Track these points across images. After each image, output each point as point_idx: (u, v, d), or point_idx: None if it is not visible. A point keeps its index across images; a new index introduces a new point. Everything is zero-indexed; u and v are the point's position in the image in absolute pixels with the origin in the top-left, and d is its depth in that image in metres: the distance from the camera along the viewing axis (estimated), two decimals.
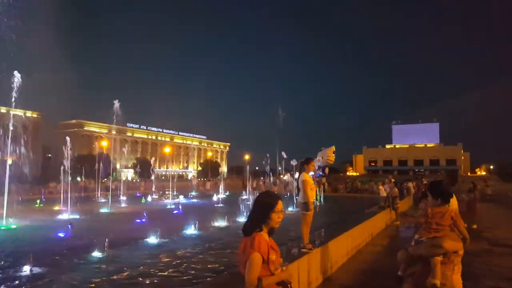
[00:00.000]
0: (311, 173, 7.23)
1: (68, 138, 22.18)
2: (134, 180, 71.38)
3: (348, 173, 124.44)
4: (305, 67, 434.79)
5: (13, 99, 15.67)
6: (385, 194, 19.64)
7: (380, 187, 21.31)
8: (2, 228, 13.32)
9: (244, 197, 29.15)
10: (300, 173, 7.24)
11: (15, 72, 15.10)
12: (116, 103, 24.21)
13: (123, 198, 25.48)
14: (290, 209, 16.40)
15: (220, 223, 14.00)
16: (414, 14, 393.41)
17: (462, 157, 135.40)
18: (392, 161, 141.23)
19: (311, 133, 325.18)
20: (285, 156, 27.21)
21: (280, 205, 2.83)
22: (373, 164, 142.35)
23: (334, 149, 7.67)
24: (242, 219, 14.74)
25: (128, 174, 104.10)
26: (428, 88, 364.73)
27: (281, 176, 35.70)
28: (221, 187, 34.10)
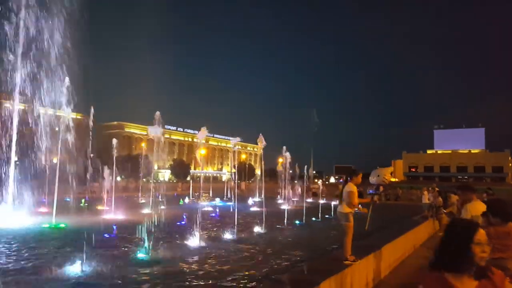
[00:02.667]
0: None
1: (114, 140, 23.16)
2: (171, 181, 73.27)
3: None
4: (341, 68, 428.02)
5: (63, 102, 16.62)
6: (427, 201, 19.18)
7: (425, 192, 20.59)
8: (52, 226, 14.08)
9: (279, 201, 29.14)
10: (345, 183, 7.14)
11: (66, 79, 15.97)
12: (157, 112, 24.81)
13: (162, 199, 26.19)
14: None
15: (257, 228, 13.97)
16: (461, 15, 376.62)
17: (510, 164, 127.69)
18: (433, 167, 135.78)
19: (348, 137, 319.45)
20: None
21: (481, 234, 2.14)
22: (414, 170, 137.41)
23: (392, 170, 7.69)
24: (278, 225, 14.72)
25: (165, 174, 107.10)
26: (472, 91, 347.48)
27: (316, 181, 35.28)
28: (257, 190, 34.24)
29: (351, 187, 6.90)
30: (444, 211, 16.16)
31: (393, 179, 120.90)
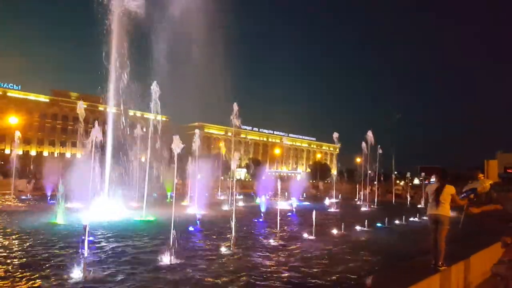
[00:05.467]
0: None
1: (197, 140, 24.51)
2: (246, 180, 75.27)
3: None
4: (424, 62, 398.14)
5: (151, 105, 17.98)
6: None
7: None
8: (143, 219, 15.33)
9: (357, 202, 28.12)
10: (441, 184, 6.65)
11: (154, 83, 17.25)
12: (235, 107, 25.59)
13: (239, 197, 26.97)
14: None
15: (336, 229, 13.59)
16: None
17: None
18: None
19: (433, 135, 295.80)
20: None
21: None
22: (510, 171, 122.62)
23: (492, 182, 7.37)
24: (358, 227, 14.18)
25: (241, 173, 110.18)
26: None
27: (398, 182, 33.37)
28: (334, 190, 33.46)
29: (453, 189, 6.49)
30: None
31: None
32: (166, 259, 8.18)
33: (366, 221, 14.56)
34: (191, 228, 12.71)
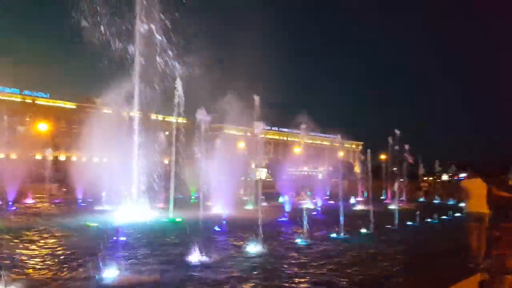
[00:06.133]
0: None
1: (218, 141, 24.73)
2: (267, 179, 75.19)
3: None
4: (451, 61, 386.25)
5: (175, 109, 18.30)
6: None
7: None
8: (170, 220, 15.62)
9: (385, 200, 27.65)
10: (485, 181, 6.49)
11: (177, 80, 17.56)
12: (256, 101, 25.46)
13: (262, 196, 26.95)
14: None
15: (364, 229, 13.39)
16: None
17: None
18: None
19: (461, 130, 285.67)
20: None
21: None
22: None
23: None
24: (387, 225, 13.96)
25: (262, 173, 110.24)
26: None
27: (427, 178, 32.58)
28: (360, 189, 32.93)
29: (489, 184, 6.32)
30: None
31: None
32: (196, 258, 8.32)
33: (395, 219, 14.31)
34: (217, 228, 12.85)
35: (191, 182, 29.30)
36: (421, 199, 30.52)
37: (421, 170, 37.28)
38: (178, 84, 17.79)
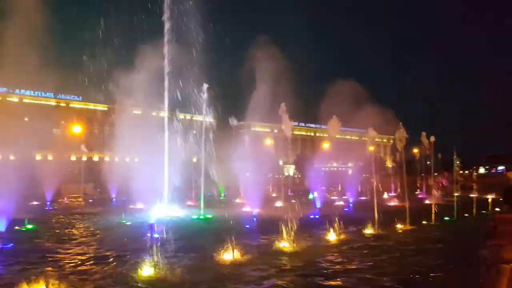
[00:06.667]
0: None
1: (246, 139, 24.66)
2: (296, 176, 74.66)
3: None
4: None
5: (203, 107, 18.38)
6: None
7: None
8: (201, 217, 15.71)
9: (420, 196, 26.71)
10: None
11: (205, 85, 17.61)
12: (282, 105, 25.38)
13: (291, 193, 26.77)
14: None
15: (399, 224, 12.91)
16: None
17: None
18: None
19: (496, 121, 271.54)
20: None
21: None
22: None
23: None
24: (423, 221, 13.40)
25: (290, 169, 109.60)
26: None
27: (463, 172, 31.17)
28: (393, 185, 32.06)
29: None
30: None
31: None
32: (229, 254, 8.27)
33: (432, 215, 13.73)
34: (247, 226, 12.77)
35: (220, 180, 29.50)
36: (458, 193, 29.22)
37: (456, 164, 35.73)
38: (204, 87, 17.88)
